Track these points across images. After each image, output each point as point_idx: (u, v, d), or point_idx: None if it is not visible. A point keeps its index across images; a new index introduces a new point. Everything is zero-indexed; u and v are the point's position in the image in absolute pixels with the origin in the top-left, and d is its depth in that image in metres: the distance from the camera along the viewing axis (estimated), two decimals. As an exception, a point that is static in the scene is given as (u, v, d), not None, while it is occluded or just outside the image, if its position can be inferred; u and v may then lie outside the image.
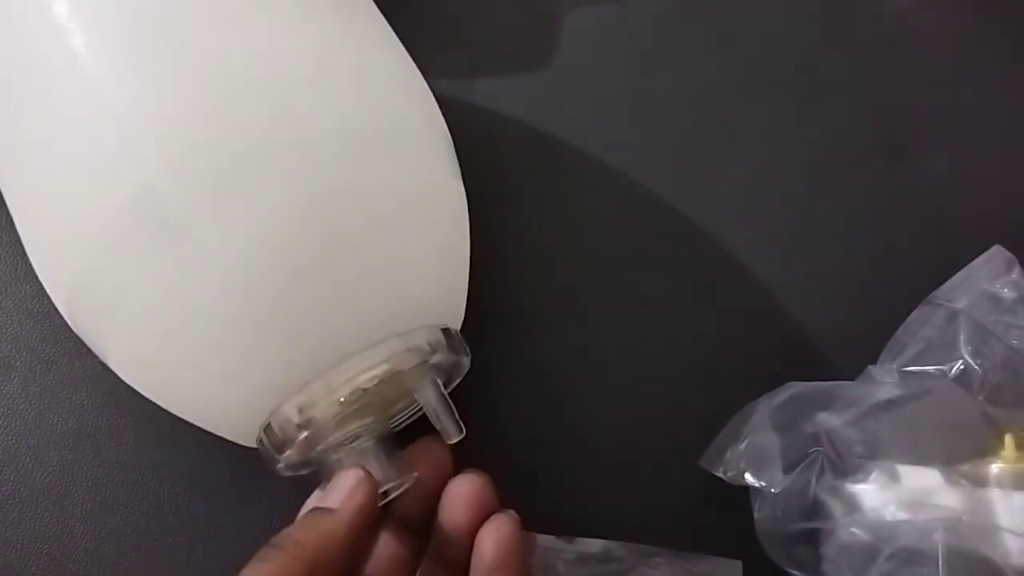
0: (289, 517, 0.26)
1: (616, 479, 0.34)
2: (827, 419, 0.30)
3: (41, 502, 0.32)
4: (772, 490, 0.28)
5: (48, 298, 0.28)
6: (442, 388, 0.27)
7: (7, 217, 0.29)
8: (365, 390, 0.25)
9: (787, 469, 0.29)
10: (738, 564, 0.30)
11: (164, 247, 0.23)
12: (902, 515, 0.27)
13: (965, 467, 0.29)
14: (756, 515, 0.29)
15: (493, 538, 0.26)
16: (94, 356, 0.28)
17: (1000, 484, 0.28)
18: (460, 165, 0.30)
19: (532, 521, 0.29)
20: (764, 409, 0.30)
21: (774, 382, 0.31)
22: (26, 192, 0.27)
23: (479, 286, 0.31)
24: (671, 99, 0.39)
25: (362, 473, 0.25)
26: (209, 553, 0.32)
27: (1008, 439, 0.29)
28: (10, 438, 0.33)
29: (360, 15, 0.29)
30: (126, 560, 0.32)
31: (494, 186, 0.30)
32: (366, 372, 0.25)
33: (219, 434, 0.28)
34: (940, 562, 0.26)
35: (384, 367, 0.25)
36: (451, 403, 0.27)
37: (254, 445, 0.27)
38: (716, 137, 0.38)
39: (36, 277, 0.32)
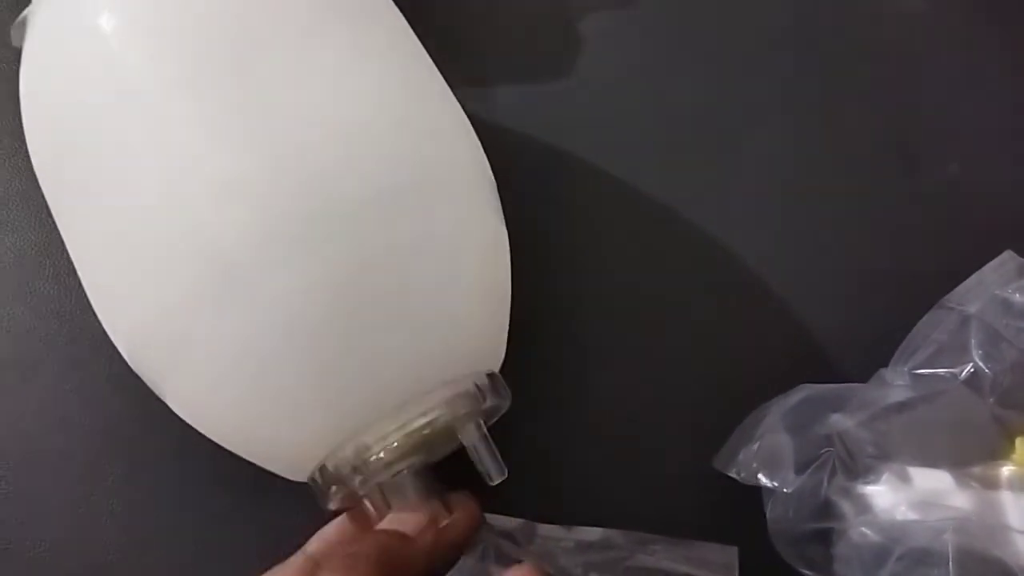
0: (307, 521, 0.27)
1: (629, 480, 0.34)
2: (839, 421, 0.30)
3: (69, 500, 0.33)
4: (784, 490, 0.29)
5: (74, 298, 0.29)
6: (485, 430, 0.28)
7: (34, 216, 0.29)
8: (415, 436, 0.26)
9: (799, 470, 0.29)
10: (734, 550, 0.31)
11: (230, 299, 0.24)
12: (913, 516, 0.27)
13: (976, 469, 0.29)
14: (768, 515, 0.29)
15: None
16: (121, 357, 0.28)
17: (1011, 487, 0.28)
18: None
19: (544, 516, 0.30)
20: (777, 411, 0.30)
21: (787, 384, 0.32)
22: (90, 240, 0.27)
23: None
24: (681, 105, 0.39)
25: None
26: (233, 553, 0.32)
27: (1019, 442, 0.29)
28: (39, 437, 0.33)
29: (410, 57, 0.30)
30: (152, 558, 0.32)
31: (505, 190, 0.31)
32: (418, 420, 0.26)
33: (269, 469, 0.29)
34: (951, 563, 0.26)
35: (435, 414, 0.27)
36: (494, 445, 0.28)
37: (304, 480, 0.28)
38: (728, 143, 0.39)
39: (62, 278, 0.32)
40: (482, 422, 0.28)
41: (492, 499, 0.29)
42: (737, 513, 0.31)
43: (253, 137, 0.25)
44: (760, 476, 0.29)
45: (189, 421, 0.28)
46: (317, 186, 0.25)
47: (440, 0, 0.39)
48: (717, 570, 0.31)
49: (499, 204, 0.30)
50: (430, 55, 0.31)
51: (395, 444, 0.26)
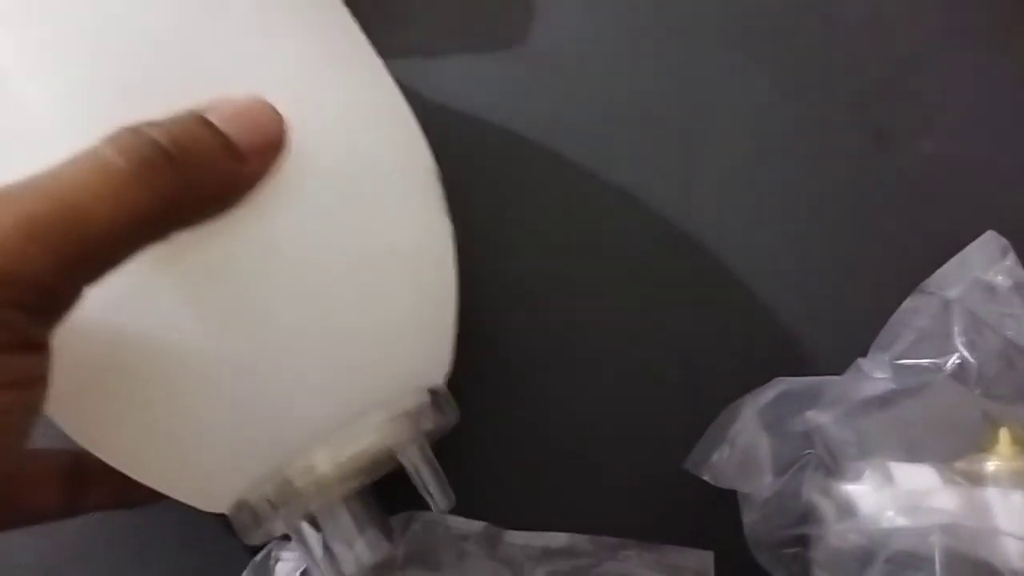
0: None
1: (599, 480, 0.32)
2: (817, 416, 0.28)
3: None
4: (761, 496, 0.27)
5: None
6: (430, 453, 0.25)
7: None
8: (347, 466, 0.23)
9: (777, 472, 0.28)
10: (709, 555, 0.30)
11: None
12: (898, 519, 0.26)
13: (961, 464, 0.28)
14: (745, 520, 0.28)
15: None
16: None
17: (997, 482, 0.27)
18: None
19: (512, 520, 0.29)
20: (751, 407, 0.29)
21: (760, 377, 0.30)
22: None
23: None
24: (646, 85, 0.37)
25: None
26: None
27: (1003, 434, 0.28)
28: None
29: (333, 23, 0.26)
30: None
31: (464, 180, 0.28)
32: (349, 448, 0.23)
33: (187, 502, 0.25)
34: (937, 566, 0.25)
35: (369, 441, 0.23)
36: (439, 470, 0.25)
37: (224, 512, 0.25)
38: (695, 124, 0.37)
39: None
40: (425, 443, 0.25)
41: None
42: (712, 516, 0.29)
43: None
44: (735, 482, 0.27)
45: (81, 443, 0.24)
46: None
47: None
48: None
49: (441, 194, 0.27)
50: (361, 22, 0.27)
51: (324, 475, 0.23)
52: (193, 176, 0.19)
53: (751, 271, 0.35)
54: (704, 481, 0.29)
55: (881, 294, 0.32)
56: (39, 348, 0.18)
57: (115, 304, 0.20)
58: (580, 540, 0.31)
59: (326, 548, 0.24)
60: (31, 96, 0.21)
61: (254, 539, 0.24)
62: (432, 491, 0.25)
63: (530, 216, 0.35)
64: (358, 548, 0.24)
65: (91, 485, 0.26)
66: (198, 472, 0.24)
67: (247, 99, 0.20)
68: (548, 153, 0.36)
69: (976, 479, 0.27)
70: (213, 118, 0.20)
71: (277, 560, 0.30)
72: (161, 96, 0.20)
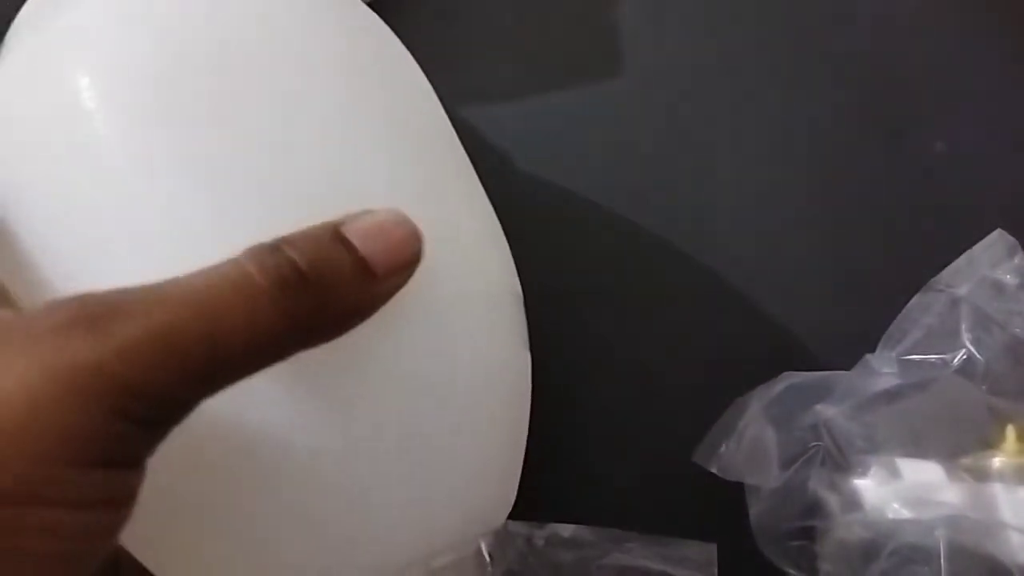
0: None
1: (605, 475, 0.33)
2: (825, 411, 0.29)
3: None
4: (768, 487, 0.28)
5: None
6: None
7: None
8: None
9: (784, 465, 0.28)
10: (712, 547, 0.30)
11: None
12: (903, 512, 0.26)
13: (966, 460, 0.28)
14: (751, 513, 0.28)
15: None
16: None
17: (1002, 478, 0.27)
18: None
19: (517, 511, 0.28)
20: (759, 402, 0.29)
21: (768, 372, 0.30)
22: None
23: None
24: (659, 84, 0.37)
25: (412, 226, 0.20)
26: None
27: (1010, 431, 0.28)
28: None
29: (433, 133, 0.25)
30: None
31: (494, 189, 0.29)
32: None
33: None
34: (943, 559, 0.25)
35: None
36: None
37: None
38: (708, 123, 0.37)
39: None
40: None
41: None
42: (718, 508, 0.30)
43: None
44: (743, 474, 0.28)
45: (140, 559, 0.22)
46: None
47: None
48: (695, 568, 0.30)
49: (524, 323, 0.26)
50: (422, 64, 0.27)
51: None
52: (326, 298, 0.18)
53: (762, 268, 0.35)
54: (711, 474, 0.29)
55: (890, 291, 0.32)
56: (137, 466, 0.17)
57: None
58: (584, 531, 0.31)
59: None
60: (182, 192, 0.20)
61: None
62: None
63: (530, 215, 0.35)
64: None
65: None
66: None
67: (385, 213, 0.19)
68: (561, 153, 0.36)
69: (982, 475, 0.27)
70: (350, 234, 0.19)
71: None
72: (301, 207, 0.20)
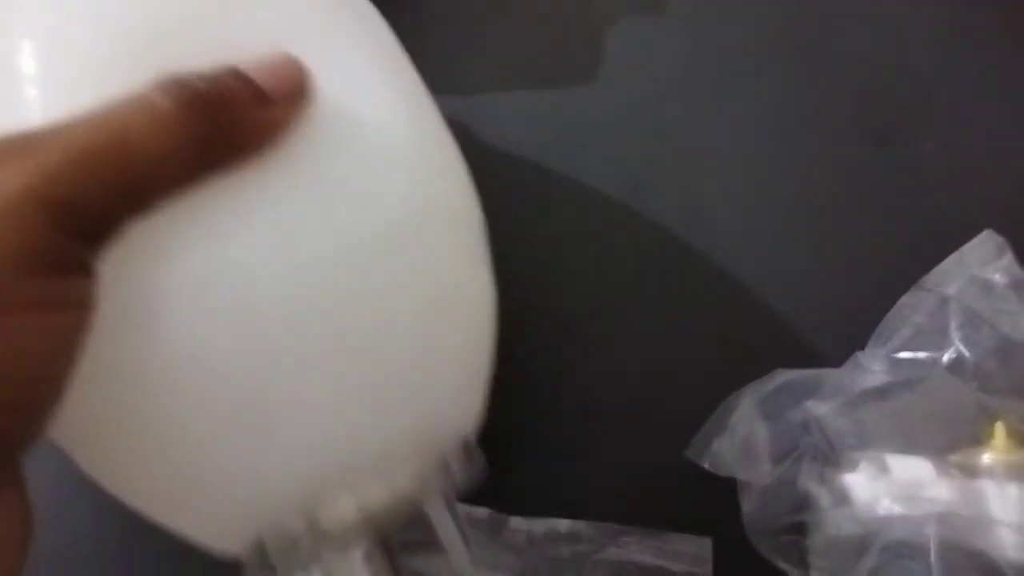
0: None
1: (600, 470, 0.33)
2: (815, 406, 0.29)
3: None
4: (760, 483, 0.28)
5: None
6: (455, 506, 0.24)
7: None
8: (372, 511, 0.22)
9: (776, 460, 0.28)
10: (707, 541, 0.30)
11: None
12: (894, 508, 0.27)
13: (956, 457, 0.28)
14: (744, 507, 0.28)
15: None
16: None
17: (992, 474, 0.28)
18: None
19: (513, 504, 0.29)
20: (751, 398, 0.29)
21: (760, 369, 0.31)
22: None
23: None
24: (648, 85, 0.38)
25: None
26: None
27: (999, 428, 0.28)
28: None
29: (397, 67, 0.26)
30: None
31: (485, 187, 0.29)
32: (378, 492, 0.22)
33: (197, 541, 0.23)
34: (933, 555, 0.26)
35: (399, 488, 0.22)
36: (463, 523, 0.24)
37: (230, 554, 0.23)
38: (697, 124, 0.37)
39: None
40: (453, 495, 0.24)
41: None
42: (711, 503, 0.30)
43: None
44: (735, 469, 0.28)
45: (91, 474, 0.22)
46: None
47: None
48: (690, 562, 0.31)
49: (486, 243, 0.26)
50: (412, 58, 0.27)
51: (347, 520, 0.22)
52: (228, 118, 0.20)
53: (753, 266, 0.35)
54: (704, 469, 0.29)
55: (880, 290, 0.32)
56: (87, 273, 0.19)
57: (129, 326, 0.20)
58: (582, 526, 0.31)
59: None
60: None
61: None
62: (453, 545, 0.24)
63: (529, 215, 0.36)
64: None
65: None
66: (214, 509, 0.22)
67: (273, 53, 0.22)
68: (557, 150, 0.36)
69: (971, 471, 0.28)
70: (244, 69, 0.21)
71: None
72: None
